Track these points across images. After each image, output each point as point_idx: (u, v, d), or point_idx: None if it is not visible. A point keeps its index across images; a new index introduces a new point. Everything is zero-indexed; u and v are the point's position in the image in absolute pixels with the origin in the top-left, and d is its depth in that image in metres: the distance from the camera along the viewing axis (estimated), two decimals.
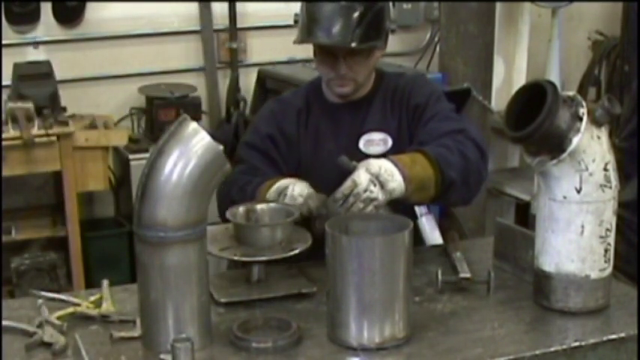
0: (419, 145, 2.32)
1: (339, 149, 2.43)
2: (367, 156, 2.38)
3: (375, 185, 2.08)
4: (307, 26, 2.37)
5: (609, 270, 1.99)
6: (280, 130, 2.50)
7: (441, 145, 2.26)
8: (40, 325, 1.92)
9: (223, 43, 4.57)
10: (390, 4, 2.54)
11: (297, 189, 2.23)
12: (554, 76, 4.70)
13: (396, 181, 2.11)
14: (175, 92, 4.30)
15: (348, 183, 2.08)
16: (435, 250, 2.39)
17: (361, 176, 2.09)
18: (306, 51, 2.54)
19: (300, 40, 2.41)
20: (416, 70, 4.69)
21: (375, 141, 2.45)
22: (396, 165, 2.14)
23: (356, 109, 2.49)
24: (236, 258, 2.07)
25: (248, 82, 4.60)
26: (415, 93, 2.47)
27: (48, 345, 1.86)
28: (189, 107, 4.20)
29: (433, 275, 2.11)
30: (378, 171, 2.11)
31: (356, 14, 2.33)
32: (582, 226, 1.93)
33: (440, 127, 2.36)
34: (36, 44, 4.30)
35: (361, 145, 2.45)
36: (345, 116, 2.49)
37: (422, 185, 2.17)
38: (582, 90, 4.96)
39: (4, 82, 4.11)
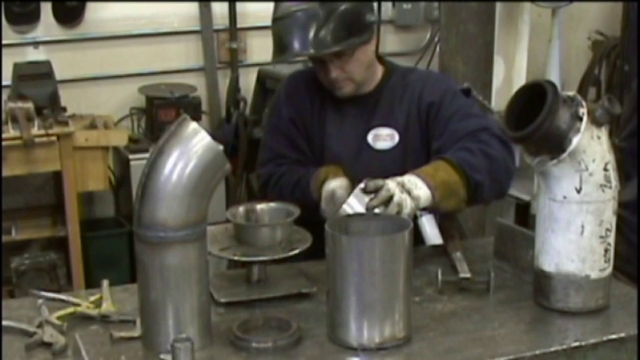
0: (441, 148, 2.34)
1: (343, 142, 2.46)
2: (375, 150, 2.43)
3: (402, 192, 2.10)
4: (279, 43, 2.37)
5: (609, 270, 1.99)
6: (298, 112, 2.52)
7: (462, 149, 2.27)
8: (40, 325, 1.92)
9: (223, 43, 4.58)
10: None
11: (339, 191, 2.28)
12: (554, 76, 4.70)
13: (420, 189, 2.13)
14: (175, 92, 4.31)
15: (382, 193, 2.08)
16: (435, 250, 2.39)
17: (389, 184, 2.10)
18: None
19: (275, 60, 2.41)
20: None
21: (382, 136, 2.46)
22: (418, 175, 2.16)
23: (363, 104, 2.49)
24: (236, 258, 2.07)
25: (248, 82, 4.61)
26: (428, 90, 2.45)
27: (48, 345, 1.85)
28: (189, 107, 4.21)
29: (433, 275, 2.11)
30: (403, 180, 2.13)
31: (320, 19, 2.30)
32: (582, 226, 1.93)
33: (461, 128, 2.35)
34: (36, 44, 4.31)
35: (370, 139, 2.46)
36: (351, 110, 2.49)
37: (450, 190, 2.18)
38: (582, 90, 4.96)
39: (4, 82, 4.11)
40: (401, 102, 2.47)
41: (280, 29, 2.36)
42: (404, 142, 2.45)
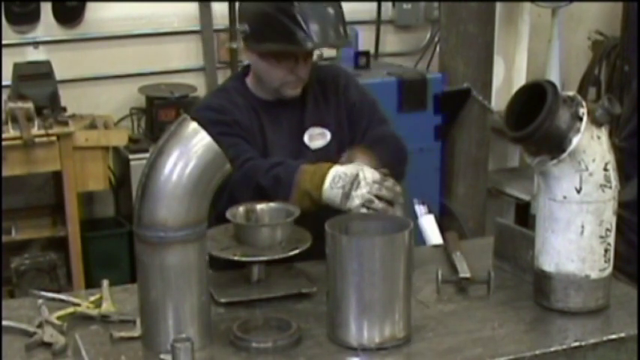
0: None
1: (284, 148, 2.43)
2: (312, 150, 2.44)
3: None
4: (302, 31, 2.26)
5: (609, 270, 1.99)
6: (240, 122, 2.40)
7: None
8: (40, 325, 1.92)
9: (223, 43, 4.57)
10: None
11: (368, 174, 2.18)
12: (554, 76, 4.71)
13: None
14: (175, 92, 4.31)
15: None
16: (435, 250, 2.39)
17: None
18: None
19: (312, 46, 2.29)
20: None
21: (314, 135, 2.48)
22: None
23: (291, 107, 2.46)
24: (236, 258, 2.07)
25: None
26: (346, 89, 2.51)
27: (48, 345, 1.86)
28: (189, 107, 4.20)
29: (433, 275, 2.11)
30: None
31: (336, 12, 2.32)
32: (582, 226, 1.93)
33: (380, 132, 2.49)
34: (36, 44, 4.31)
35: (306, 140, 2.47)
36: (283, 113, 2.46)
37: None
38: (582, 90, 4.97)
39: (4, 82, 4.11)
40: (326, 100, 2.49)
41: (307, 17, 2.26)
42: (336, 139, 2.46)
